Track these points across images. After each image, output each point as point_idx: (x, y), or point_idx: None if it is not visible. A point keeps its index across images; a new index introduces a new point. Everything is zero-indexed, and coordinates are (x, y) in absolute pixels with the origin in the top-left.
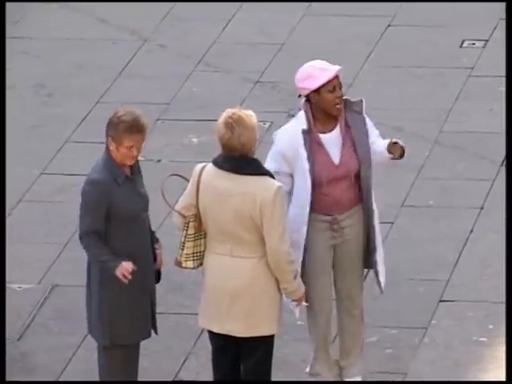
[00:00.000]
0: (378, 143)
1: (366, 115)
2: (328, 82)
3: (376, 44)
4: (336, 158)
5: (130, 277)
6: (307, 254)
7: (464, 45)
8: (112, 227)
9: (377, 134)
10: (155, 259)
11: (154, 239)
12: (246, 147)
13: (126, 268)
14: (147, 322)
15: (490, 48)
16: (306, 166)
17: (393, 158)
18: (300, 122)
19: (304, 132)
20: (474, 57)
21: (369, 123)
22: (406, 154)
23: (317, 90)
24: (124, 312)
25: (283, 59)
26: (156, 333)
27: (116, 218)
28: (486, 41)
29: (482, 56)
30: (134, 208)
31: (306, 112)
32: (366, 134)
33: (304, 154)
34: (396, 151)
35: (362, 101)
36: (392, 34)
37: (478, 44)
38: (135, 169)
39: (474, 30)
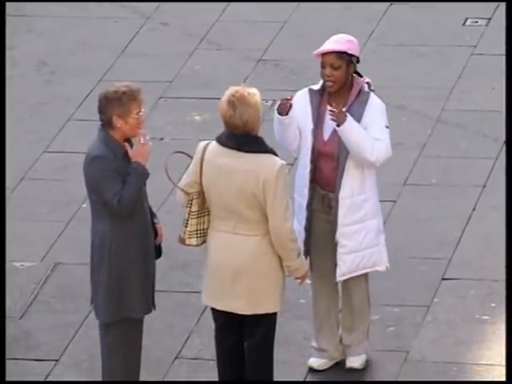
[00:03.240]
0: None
1: (375, 110)
2: (321, 57)
3: (378, 22)
4: (327, 134)
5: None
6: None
7: (467, 23)
8: None
9: (376, 136)
10: (156, 233)
11: (152, 214)
12: (248, 125)
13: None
14: (150, 296)
15: (493, 26)
16: (309, 136)
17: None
18: (319, 84)
19: (311, 91)
20: (476, 35)
21: (372, 119)
22: (340, 127)
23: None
24: (133, 284)
25: (286, 37)
26: (154, 308)
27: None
28: (489, 19)
29: (484, 34)
30: None
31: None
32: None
33: (309, 120)
34: (338, 115)
35: (369, 93)
36: (394, 12)
37: (481, 22)
38: (132, 146)
39: (476, 9)
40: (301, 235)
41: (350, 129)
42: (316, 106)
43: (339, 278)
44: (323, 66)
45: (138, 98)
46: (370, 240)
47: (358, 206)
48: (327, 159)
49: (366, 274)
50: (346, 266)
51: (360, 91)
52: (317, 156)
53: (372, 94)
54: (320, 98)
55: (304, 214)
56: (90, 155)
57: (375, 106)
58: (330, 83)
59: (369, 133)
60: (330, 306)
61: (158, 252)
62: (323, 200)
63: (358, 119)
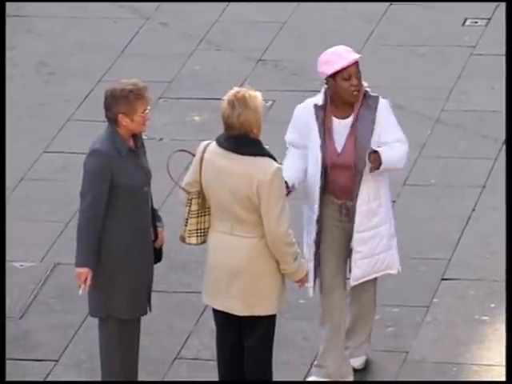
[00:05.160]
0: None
1: (384, 112)
2: (343, 70)
3: (378, 22)
4: (339, 146)
5: (81, 286)
6: (322, 232)
7: (466, 23)
8: (113, 199)
9: (394, 138)
10: (156, 237)
11: (156, 217)
12: (244, 127)
13: (78, 275)
14: (145, 298)
15: (493, 26)
16: (318, 151)
17: (370, 170)
18: (319, 98)
19: (316, 107)
20: (476, 35)
21: (385, 122)
22: (380, 168)
23: (333, 76)
24: (120, 284)
25: (285, 38)
26: (150, 310)
27: (117, 189)
28: (489, 19)
29: (484, 34)
30: (135, 180)
31: (325, 93)
32: (371, 130)
33: (316, 136)
34: (374, 161)
35: (377, 97)
36: (394, 12)
37: (481, 22)
38: (138, 143)
39: (476, 9)
40: (311, 248)
41: (386, 161)
42: (321, 121)
43: (353, 282)
44: (347, 78)
45: (144, 97)
46: (383, 244)
47: (374, 213)
48: (343, 170)
49: (376, 278)
50: (361, 270)
51: (365, 95)
52: (331, 168)
53: (380, 98)
54: (323, 113)
55: (314, 227)
56: (92, 147)
57: (384, 109)
58: (356, 93)
59: (386, 136)
60: (340, 318)
61: (158, 256)
62: (340, 210)
63: (371, 125)
